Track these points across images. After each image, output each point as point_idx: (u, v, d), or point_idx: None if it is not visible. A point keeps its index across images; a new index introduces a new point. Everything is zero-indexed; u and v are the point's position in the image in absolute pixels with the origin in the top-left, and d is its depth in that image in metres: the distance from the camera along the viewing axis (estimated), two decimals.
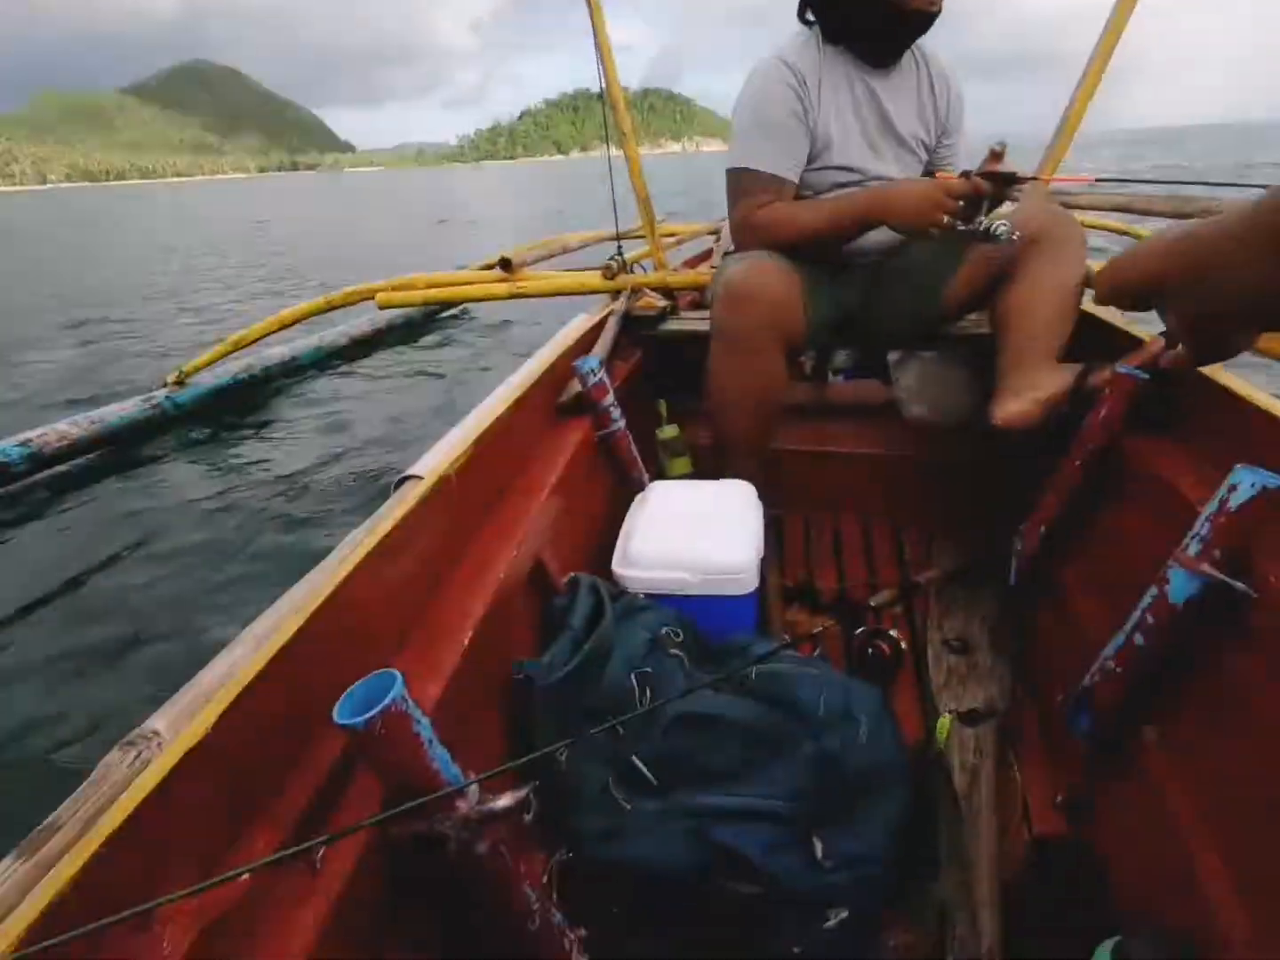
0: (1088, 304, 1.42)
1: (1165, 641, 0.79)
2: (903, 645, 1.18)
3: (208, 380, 2.89)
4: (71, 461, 2.54)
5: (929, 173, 1.49)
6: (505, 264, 2.14)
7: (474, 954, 0.61)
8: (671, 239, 3.56)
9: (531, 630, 0.92)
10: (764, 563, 1.31)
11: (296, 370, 3.38)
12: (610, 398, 1.27)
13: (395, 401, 3.21)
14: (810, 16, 1.38)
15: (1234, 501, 0.72)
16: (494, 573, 0.82)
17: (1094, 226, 2.30)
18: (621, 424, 1.30)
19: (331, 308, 2.41)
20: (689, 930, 0.76)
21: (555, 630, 0.91)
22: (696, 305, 2.27)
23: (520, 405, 1.13)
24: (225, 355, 2.67)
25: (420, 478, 0.84)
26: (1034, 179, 1.29)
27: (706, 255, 3.09)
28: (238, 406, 3.00)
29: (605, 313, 1.76)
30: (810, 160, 1.39)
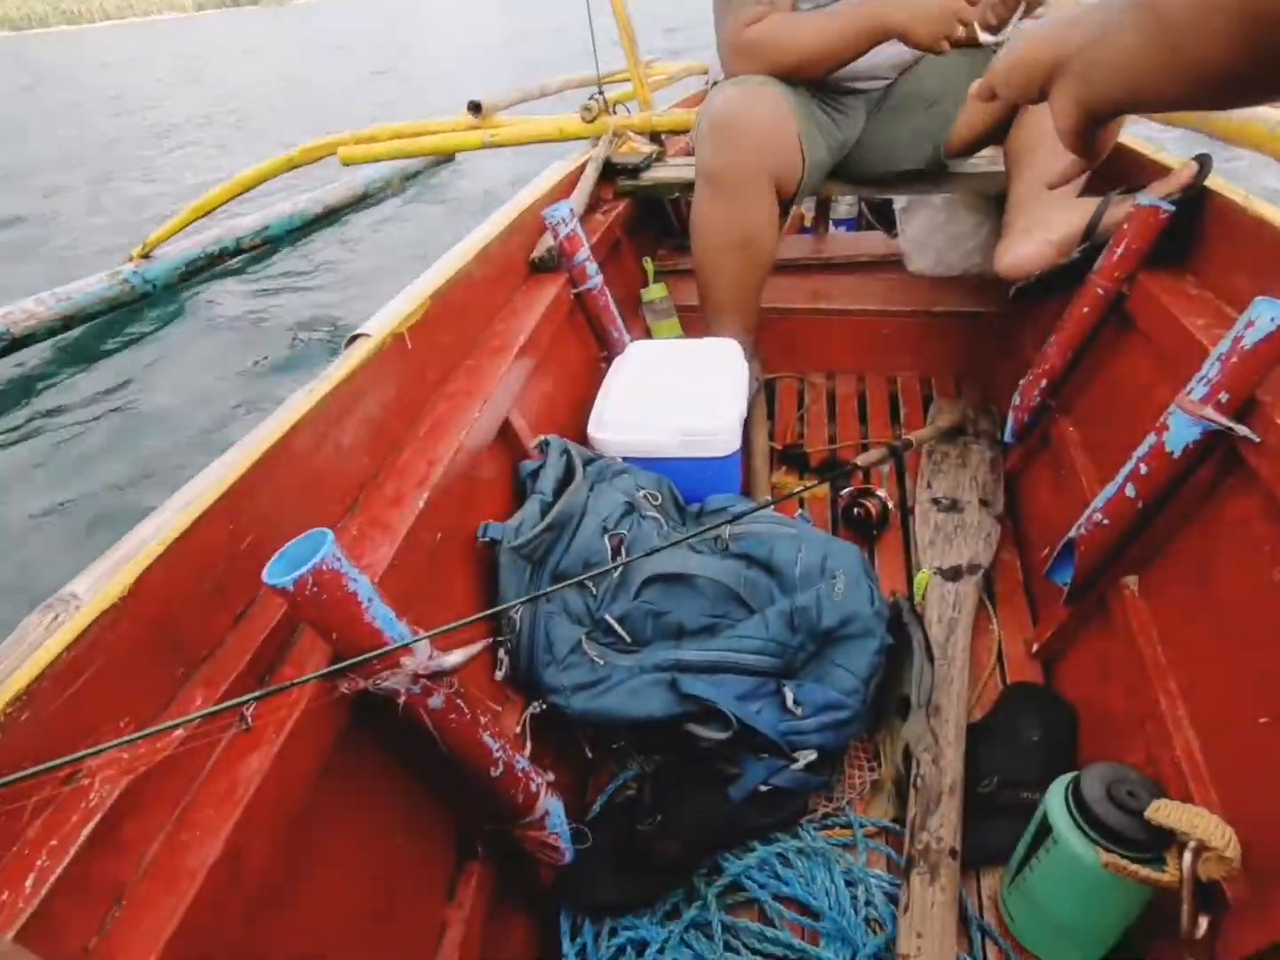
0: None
1: (1156, 491, 0.76)
2: (889, 504, 1.15)
3: (175, 253, 2.73)
4: (41, 342, 2.47)
5: None
6: (475, 108, 1.94)
7: (431, 797, 0.63)
8: (661, 78, 3.24)
9: (498, 494, 0.90)
10: (750, 424, 1.27)
11: (269, 240, 3.19)
12: (585, 251, 1.18)
13: (372, 265, 3.05)
14: None
15: (1249, 339, 0.66)
16: (454, 434, 0.78)
17: None
18: (598, 280, 1.21)
19: (293, 166, 2.22)
20: (660, 770, 0.79)
21: (524, 494, 0.88)
22: (688, 152, 2.09)
23: (484, 260, 1.04)
24: (188, 224, 2.50)
25: (369, 336, 0.78)
26: None
27: (700, 98, 2.82)
28: (209, 278, 2.86)
29: (584, 159, 1.61)
30: None
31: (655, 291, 1.61)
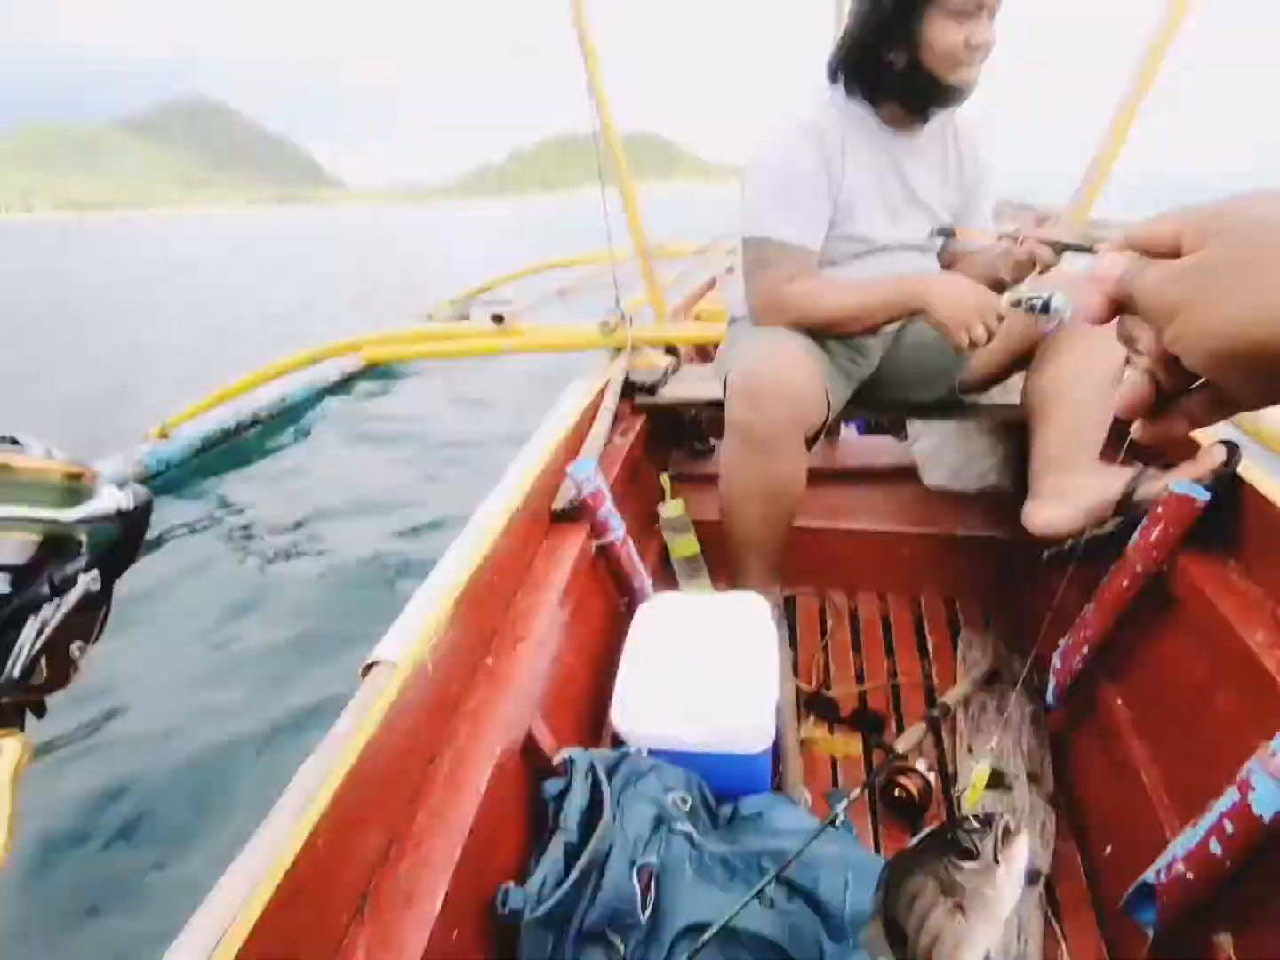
0: None
1: (1247, 851, 0.69)
2: (931, 780, 1.07)
3: (192, 431, 2.78)
4: None
5: (948, 230, 1.37)
6: (498, 319, 2.03)
7: None
8: (672, 260, 3.46)
9: (519, 826, 0.82)
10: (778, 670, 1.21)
11: (286, 411, 3.26)
12: (608, 505, 1.17)
13: (389, 446, 3.09)
14: (838, 76, 1.26)
15: None
16: (477, 774, 0.72)
17: None
18: (621, 532, 1.19)
19: (316, 361, 2.31)
20: None
21: (545, 817, 0.81)
22: (701, 355, 2.17)
23: (507, 519, 1.02)
24: (210, 407, 2.56)
25: (393, 663, 0.74)
26: (1084, 246, 1.16)
27: (709, 285, 2.98)
28: (226, 458, 2.89)
29: (604, 382, 1.65)
30: (830, 225, 1.28)
31: (673, 509, 1.60)
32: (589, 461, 1.16)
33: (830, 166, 1.23)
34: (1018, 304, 1.03)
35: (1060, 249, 1.12)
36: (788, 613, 1.54)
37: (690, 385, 1.76)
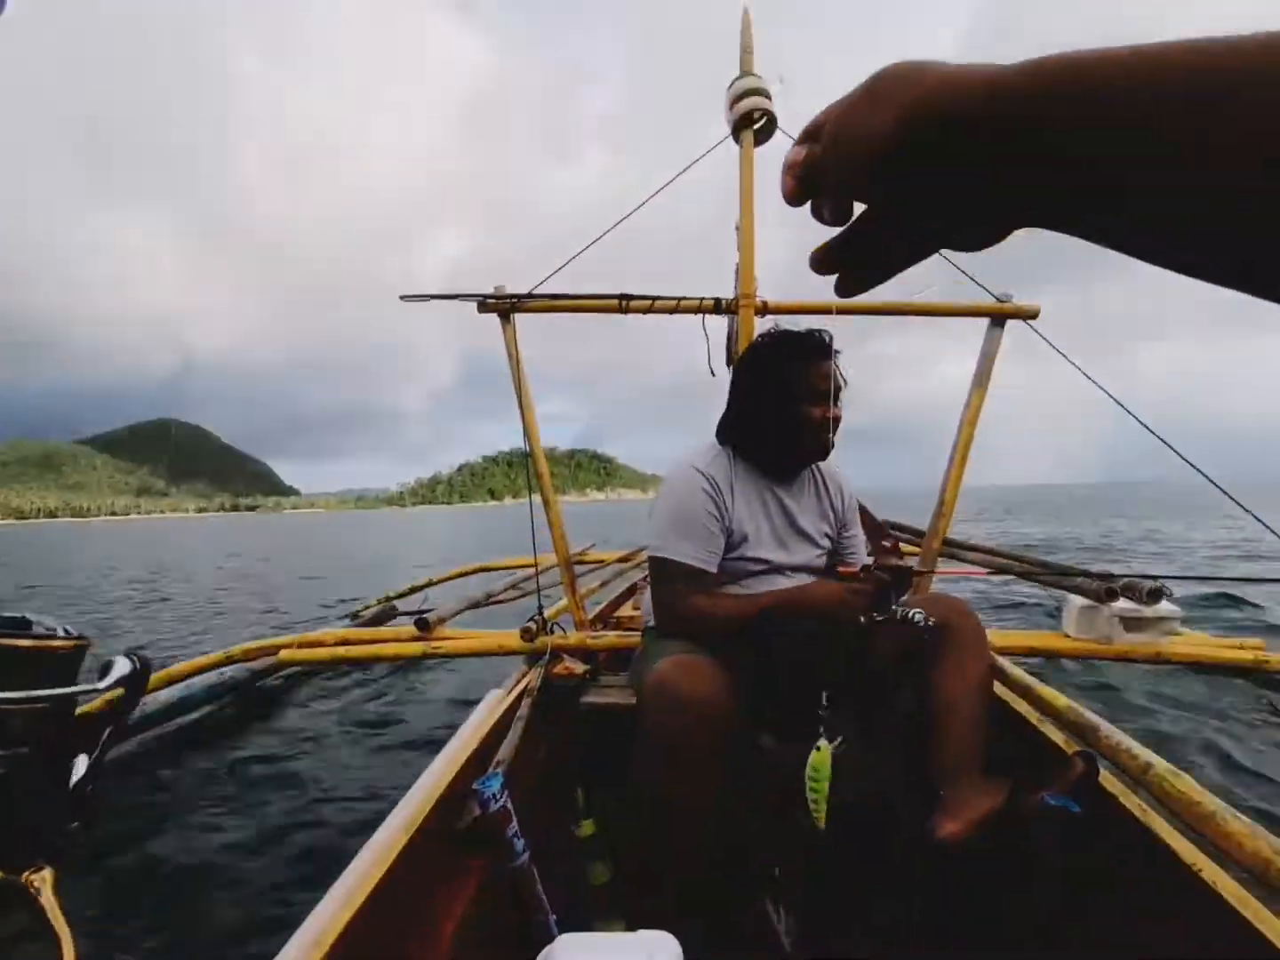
0: (1001, 690, 1.46)
1: None
2: None
3: None
4: None
5: (833, 564, 1.60)
6: (422, 623, 2.08)
7: None
8: (594, 567, 3.67)
9: None
10: None
11: (182, 710, 3.01)
12: (514, 825, 1.13)
13: (290, 759, 2.83)
14: (727, 439, 1.56)
15: None
16: None
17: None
18: (525, 857, 1.13)
19: (231, 662, 2.25)
20: None
21: None
22: (620, 663, 2.24)
23: (405, 858, 0.97)
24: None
25: None
26: (929, 570, 1.39)
27: (629, 592, 3.16)
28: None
29: (520, 688, 1.68)
30: (727, 551, 1.48)
31: (587, 828, 1.52)
32: (495, 778, 1.15)
33: (720, 505, 1.47)
34: (891, 617, 1.25)
35: (899, 573, 1.33)
36: (711, 943, 1.39)
37: (609, 693, 1.80)
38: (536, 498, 2.15)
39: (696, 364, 2.23)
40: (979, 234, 0.29)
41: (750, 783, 1.75)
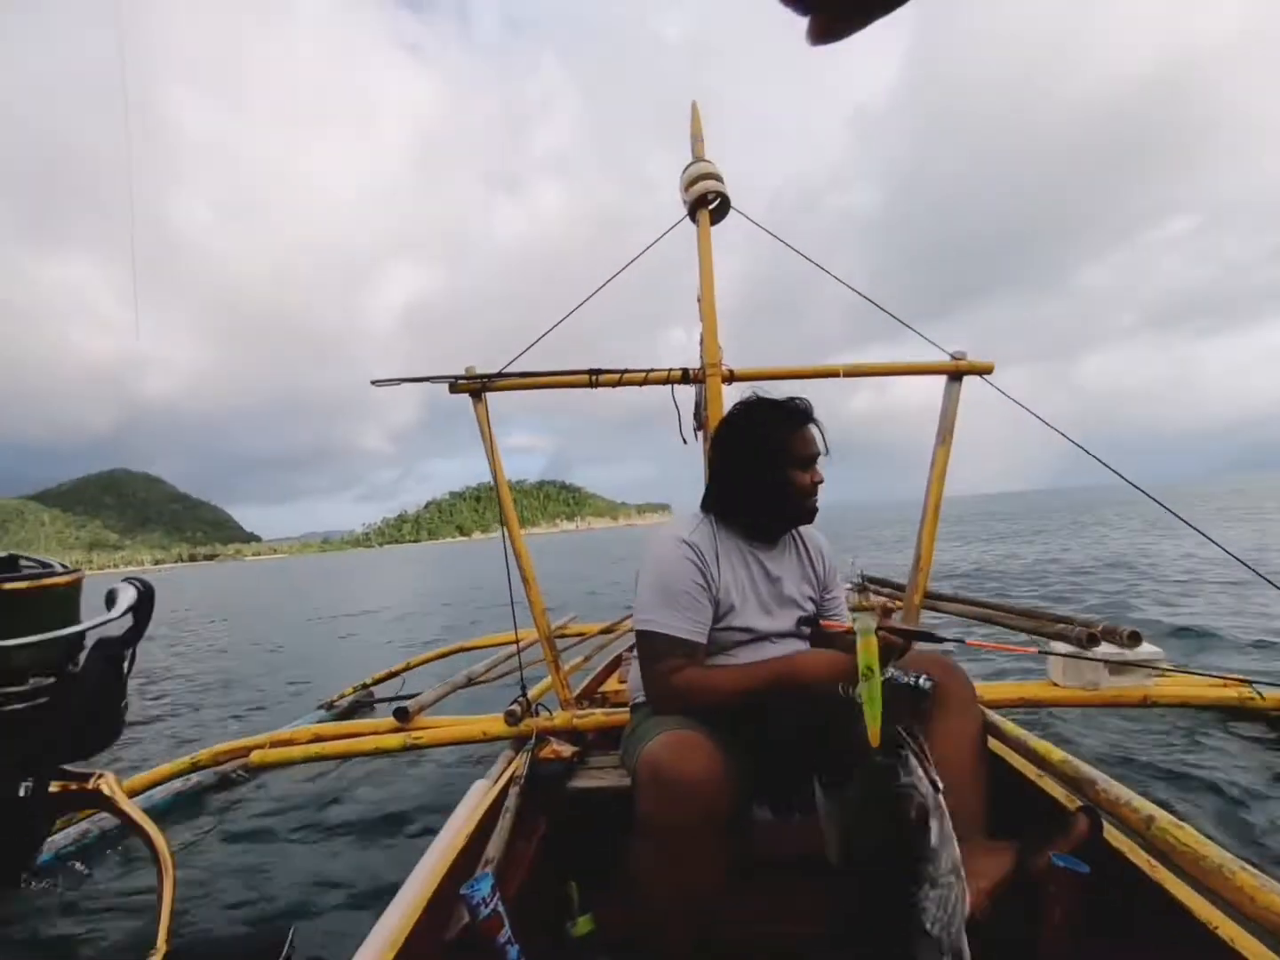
0: (994, 743, 1.44)
1: None
2: None
3: None
4: None
5: (816, 620, 1.59)
6: (401, 713, 2.01)
7: None
8: (576, 640, 3.60)
9: None
10: None
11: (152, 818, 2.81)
12: (506, 931, 1.06)
13: (265, 875, 2.64)
14: (711, 508, 1.56)
15: None
16: None
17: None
18: None
19: (198, 768, 2.13)
20: None
21: None
22: (610, 741, 2.17)
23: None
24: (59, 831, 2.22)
25: None
26: (933, 635, 1.38)
27: (614, 664, 3.09)
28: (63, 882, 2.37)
29: (506, 776, 1.62)
30: (714, 621, 1.46)
31: (582, 926, 1.44)
32: (485, 880, 1.09)
33: (707, 574, 1.46)
34: (888, 683, 1.21)
35: (909, 637, 1.32)
36: None
37: (599, 776, 1.74)
38: (517, 569, 2.12)
39: (658, 398, 2.31)
40: None
41: (748, 856, 1.68)
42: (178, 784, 3.10)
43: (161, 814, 2.90)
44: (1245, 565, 1.95)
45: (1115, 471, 2.13)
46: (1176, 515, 2.17)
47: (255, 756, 2.02)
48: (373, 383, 2.18)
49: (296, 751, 2.02)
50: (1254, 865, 0.83)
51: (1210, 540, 1.97)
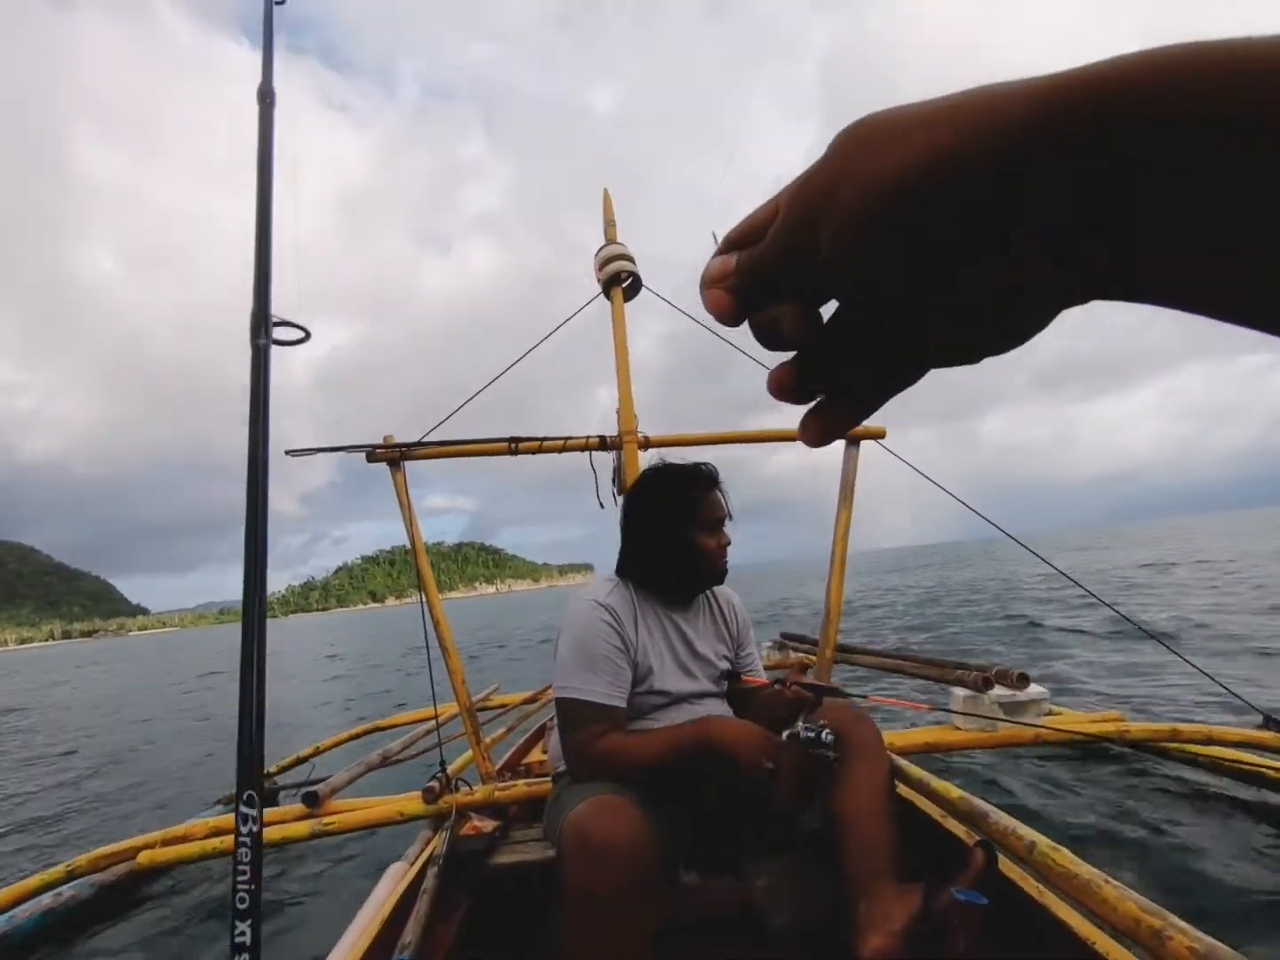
0: (902, 788, 1.51)
1: None
2: None
3: None
4: None
5: (734, 674, 1.64)
6: (310, 798, 1.91)
7: None
8: (499, 711, 3.51)
9: None
10: None
11: (9, 950, 2.48)
12: None
13: None
14: (626, 569, 1.61)
15: None
16: None
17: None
18: None
19: (74, 877, 1.93)
20: None
21: None
22: (533, 814, 2.12)
23: None
24: None
25: None
26: (840, 691, 1.46)
27: (537, 735, 3.03)
28: None
29: (424, 857, 1.56)
30: (633, 685, 1.49)
31: None
32: None
33: (625, 638, 1.49)
34: (796, 737, 1.28)
35: (819, 692, 1.40)
36: None
37: (522, 850, 1.70)
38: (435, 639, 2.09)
39: (580, 459, 2.35)
40: (1027, 316, 0.21)
41: (675, 919, 1.67)
42: (47, 900, 2.76)
43: (26, 938, 2.57)
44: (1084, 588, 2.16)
45: (989, 521, 2.35)
46: (1036, 554, 2.40)
47: (144, 858, 1.86)
48: (287, 453, 2.15)
49: (192, 848, 1.87)
50: (1117, 879, 0.92)
51: (1058, 570, 2.17)
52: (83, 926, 2.63)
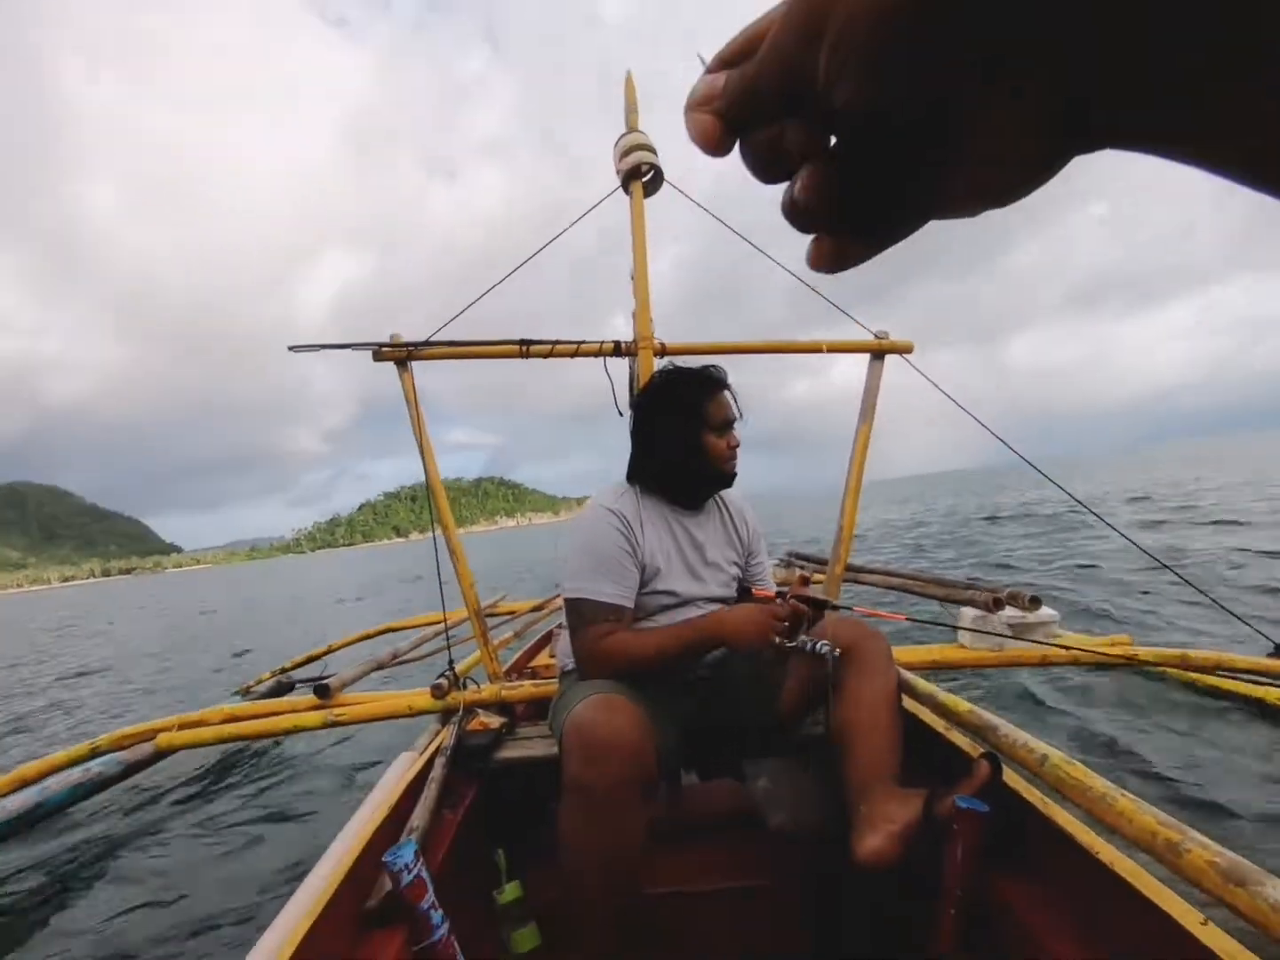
0: (908, 701, 1.52)
1: None
2: None
3: None
4: None
5: (745, 587, 1.63)
6: (322, 690, 1.94)
7: None
8: (507, 618, 3.58)
9: None
10: None
11: (40, 819, 2.63)
12: (429, 896, 1.05)
13: (175, 853, 2.53)
14: (635, 479, 1.58)
15: None
16: None
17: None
18: (444, 929, 1.06)
19: (96, 754, 2.00)
20: None
21: None
22: (539, 713, 2.17)
23: (308, 943, 0.88)
24: None
25: None
26: (847, 607, 1.44)
27: (544, 641, 3.09)
28: None
29: (432, 748, 1.59)
30: (640, 587, 1.48)
31: (510, 893, 1.44)
32: (409, 847, 1.07)
33: (632, 541, 1.48)
34: (799, 646, 1.28)
35: (818, 606, 1.38)
36: None
37: (527, 745, 1.73)
38: (441, 545, 2.08)
39: (599, 388, 2.27)
40: (1038, 157, 0.18)
41: (677, 819, 1.72)
42: (76, 774, 2.92)
43: (57, 806, 2.72)
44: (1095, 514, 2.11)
45: (998, 437, 2.27)
46: (1057, 485, 2.33)
47: (162, 740, 1.92)
48: (290, 348, 2.08)
49: (208, 733, 1.93)
50: (1132, 793, 0.91)
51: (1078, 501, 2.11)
52: (110, 798, 2.80)
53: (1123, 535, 2.11)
